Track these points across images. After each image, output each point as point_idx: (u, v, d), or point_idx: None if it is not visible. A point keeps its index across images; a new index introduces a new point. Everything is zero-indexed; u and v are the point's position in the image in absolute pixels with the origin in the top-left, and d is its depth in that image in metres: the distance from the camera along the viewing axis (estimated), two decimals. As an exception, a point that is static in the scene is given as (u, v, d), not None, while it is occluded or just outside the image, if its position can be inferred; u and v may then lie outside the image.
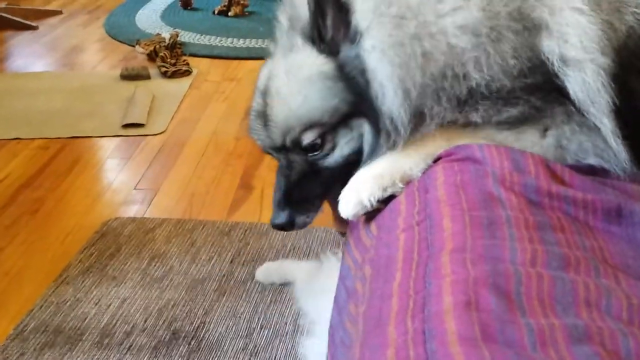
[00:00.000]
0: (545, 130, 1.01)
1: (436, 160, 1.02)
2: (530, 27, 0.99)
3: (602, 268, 0.77)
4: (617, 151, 0.96)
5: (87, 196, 2.53)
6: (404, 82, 0.99)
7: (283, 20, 1.14)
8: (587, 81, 0.96)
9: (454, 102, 1.01)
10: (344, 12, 1.02)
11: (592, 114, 0.97)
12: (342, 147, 1.09)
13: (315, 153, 1.09)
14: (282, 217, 1.12)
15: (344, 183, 1.06)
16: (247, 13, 4.72)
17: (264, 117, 1.12)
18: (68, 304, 1.92)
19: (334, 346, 1.11)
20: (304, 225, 1.15)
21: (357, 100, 1.03)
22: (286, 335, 1.79)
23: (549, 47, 0.98)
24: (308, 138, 1.07)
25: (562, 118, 1.00)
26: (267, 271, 1.99)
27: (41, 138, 2.97)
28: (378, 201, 1.01)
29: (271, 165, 2.68)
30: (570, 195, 0.88)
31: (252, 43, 4.14)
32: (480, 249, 0.77)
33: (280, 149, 1.12)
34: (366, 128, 1.06)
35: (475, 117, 1.02)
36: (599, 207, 0.88)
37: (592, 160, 1.00)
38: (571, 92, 0.97)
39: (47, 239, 2.24)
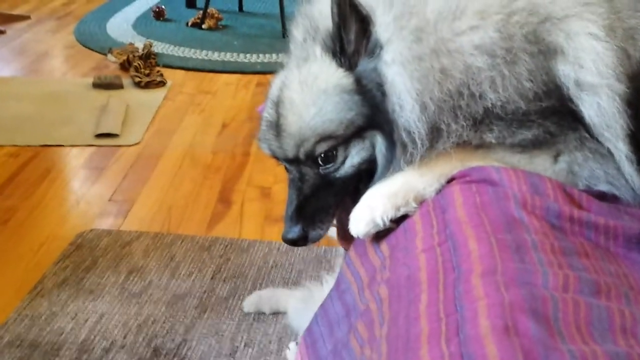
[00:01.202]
0: (557, 155, 1.01)
1: (449, 181, 1.01)
2: (545, 51, 0.99)
3: (631, 295, 0.77)
4: (631, 176, 0.97)
5: (60, 206, 2.47)
6: (422, 96, 0.98)
7: (297, 34, 1.12)
8: (602, 106, 0.96)
9: (470, 120, 1.01)
10: (365, 24, 1.01)
11: (607, 138, 0.97)
12: (353, 157, 1.07)
13: (328, 165, 1.07)
14: (295, 232, 1.09)
15: (355, 195, 1.05)
16: (221, 26, 4.70)
17: (276, 127, 1.10)
18: (43, 317, 1.86)
19: (317, 357, 1.09)
20: (318, 239, 1.12)
21: (372, 113, 1.03)
22: (271, 354, 1.76)
23: (565, 71, 0.98)
24: (321, 149, 1.05)
25: (575, 144, 1.00)
26: (259, 300, 1.92)
27: (11, 145, 2.89)
28: (390, 220, 1.00)
29: (250, 181, 2.67)
30: (592, 221, 0.88)
31: (227, 57, 4.12)
32: (512, 273, 0.76)
33: (293, 161, 1.10)
34: (379, 139, 1.05)
35: (490, 137, 1.02)
36: (620, 233, 0.88)
37: (603, 187, 1.00)
38: (586, 116, 0.98)
39: (19, 250, 2.17)
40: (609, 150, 0.99)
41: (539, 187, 0.94)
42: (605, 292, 0.75)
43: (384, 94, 1.01)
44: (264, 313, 1.90)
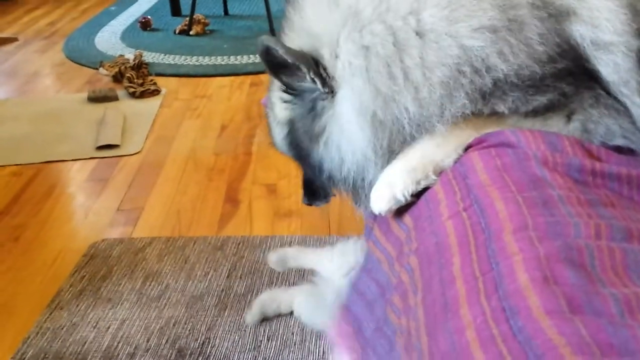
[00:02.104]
0: (571, 114, 1.02)
1: (466, 149, 1.02)
2: (555, 14, 0.99)
3: (662, 238, 0.78)
4: None
5: (69, 220, 2.47)
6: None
7: None
8: (619, 63, 0.97)
9: (476, 95, 1.01)
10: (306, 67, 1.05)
11: (624, 94, 0.97)
12: (325, 164, 1.14)
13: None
14: (305, 200, 1.35)
15: None
16: (208, 32, 4.71)
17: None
18: (65, 329, 1.86)
19: (364, 339, 1.10)
20: (324, 204, 1.35)
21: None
22: (295, 345, 1.76)
23: (580, 32, 0.98)
24: None
25: (590, 102, 1.01)
26: (261, 306, 1.88)
27: (13, 165, 2.89)
28: (411, 195, 1.01)
29: (255, 180, 2.67)
30: (614, 172, 0.89)
31: (218, 60, 4.12)
32: (544, 227, 0.77)
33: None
34: None
35: (503, 107, 1.02)
36: (644, 181, 0.89)
37: (619, 142, 1.01)
38: (603, 74, 0.98)
39: (34, 265, 2.17)
40: (624, 106, 1.00)
41: (557, 145, 0.95)
42: (638, 237, 0.76)
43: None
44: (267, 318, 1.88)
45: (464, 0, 1.01)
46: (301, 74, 1.05)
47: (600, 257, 0.72)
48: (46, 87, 4.01)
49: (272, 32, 4.44)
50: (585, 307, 0.65)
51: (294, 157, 1.22)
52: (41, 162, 2.91)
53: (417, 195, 1.02)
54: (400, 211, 1.05)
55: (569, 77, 1.00)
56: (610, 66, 0.97)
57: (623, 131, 1.00)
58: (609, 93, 1.00)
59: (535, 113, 1.03)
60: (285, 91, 1.12)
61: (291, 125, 1.15)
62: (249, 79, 3.84)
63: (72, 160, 2.93)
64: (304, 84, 1.07)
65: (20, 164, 2.89)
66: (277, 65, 1.05)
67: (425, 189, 1.01)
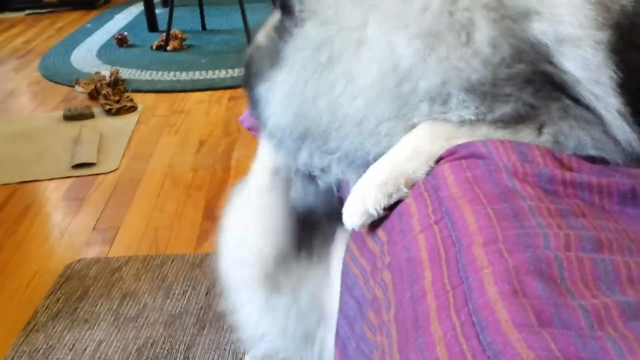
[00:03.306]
0: (541, 127, 1.01)
1: (437, 160, 1.01)
2: (512, 16, 0.98)
3: (633, 247, 0.77)
4: (624, 132, 0.96)
5: (45, 240, 2.44)
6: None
7: None
8: (587, 58, 0.96)
9: (416, 100, 1.02)
10: None
11: (596, 95, 0.97)
12: None
13: None
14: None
15: None
16: (186, 46, 4.69)
17: None
18: (41, 351, 1.83)
19: (348, 358, 1.09)
20: None
21: None
22: (275, 362, 1.74)
23: (542, 29, 0.97)
24: None
25: (559, 114, 1.00)
26: None
27: (-12, 186, 2.85)
28: (384, 209, 1.00)
29: (233, 194, 2.65)
30: (584, 181, 0.88)
31: (195, 75, 4.11)
32: (513, 239, 0.77)
33: None
34: None
35: (467, 114, 1.01)
36: (614, 190, 0.88)
37: (591, 152, 1.00)
38: (572, 71, 0.97)
39: (9, 287, 2.14)
40: (594, 115, 0.99)
41: (528, 155, 0.94)
42: (608, 247, 0.76)
43: None
44: None
45: (409, 9, 1.01)
46: None
47: (570, 268, 0.71)
48: (22, 106, 3.97)
49: (250, 46, 4.43)
50: (554, 319, 0.65)
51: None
52: (17, 183, 2.87)
53: (391, 208, 1.01)
54: (374, 225, 1.04)
55: (530, 86, 0.99)
56: (578, 62, 0.96)
57: (595, 142, 1.00)
58: (577, 102, 0.99)
59: (506, 124, 1.02)
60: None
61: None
62: (227, 93, 3.83)
63: (48, 179, 2.90)
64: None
65: (-5, 185, 2.86)
66: None
67: (399, 202, 1.01)
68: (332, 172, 1.16)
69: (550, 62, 0.99)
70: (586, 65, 0.97)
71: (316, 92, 1.09)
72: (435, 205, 0.92)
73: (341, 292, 1.15)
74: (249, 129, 1.68)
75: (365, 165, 1.07)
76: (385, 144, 1.05)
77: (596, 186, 0.88)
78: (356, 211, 1.01)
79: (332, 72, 1.08)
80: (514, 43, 0.99)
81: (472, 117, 1.01)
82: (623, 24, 0.98)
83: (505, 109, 1.01)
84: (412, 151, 1.02)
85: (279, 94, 1.14)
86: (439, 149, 1.01)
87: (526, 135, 1.01)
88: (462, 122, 1.03)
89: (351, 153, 1.09)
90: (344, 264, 1.16)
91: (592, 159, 1.00)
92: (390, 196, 0.99)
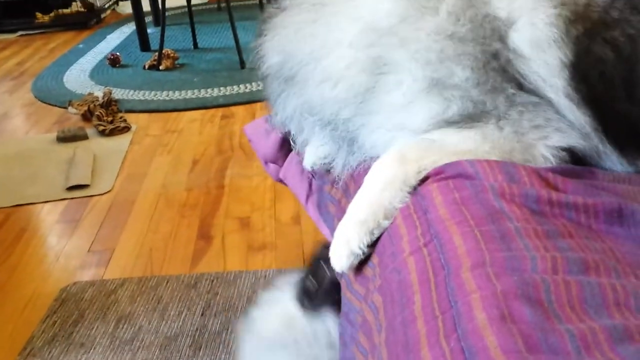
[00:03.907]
0: (499, 122, 1.03)
1: (424, 179, 1.02)
2: None
3: (620, 268, 0.78)
4: (573, 113, 0.99)
5: (40, 264, 2.44)
6: None
7: None
8: (537, 34, 0.99)
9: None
10: None
11: (541, 76, 1.00)
12: None
13: None
14: None
15: None
16: (178, 65, 4.70)
17: None
18: (37, 377, 1.82)
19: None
20: None
21: None
22: (271, 383, 1.74)
23: (498, 3, 1.02)
24: None
25: (505, 104, 1.02)
26: None
27: (-18, 210, 2.85)
28: (368, 246, 1.01)
29: (228, 213, 2.66)
30: (570, 201, 0.89)
31: (188, 94, 4.12)
32: (501, 262, 0.77)
33: None
34: None
35: (424, 116, 1.04)
36: (600, 209, 0.89)
37: (556, 137, 1.02)
38: (521, 46, 1.00)
39: (4, 312, 2.14)
40: (542, 98, 1.02)
41: (514, 175, 0.95)
42: (594, 269, 0.76)
43: None
44: None
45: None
46: None
47: (557, 292, 0.72)
48: (15, 128, 3.97)
49: (242, 64, 4.46)
50: (542, 344, 0.65)
51: None
52: (11, 206, 2.87)
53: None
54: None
55: (475, 76, 1.01)
56: (529, 37, 1.00)
57: (549, 122, 1.01)
58: (521, 87, 1.02)
59: (462, 125, 1.03)
60: None
61: None
62: (219, 111, 3.83)
63: (42, 202, 2.90)
64: None
65: (-11, 209, 2.86)
66: None
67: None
68: (305, 131, 1.22)
69: (501, 40, 1.02)
70: (535, 41, 1.00)
71: (303, 36, 1.13)
72: (424, 227, 0.93)
73: (340, 321, 1.15)
74: (249, 140, 1.69)
75: (338, 130, 1.13)
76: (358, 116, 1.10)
77: (582, 206, 0.89)
78: (343, 254, 1.02)
79: (320, 19, 1.12)
80: (471, 16, 1.01)
81: (424, 118, 1.04)
82: (590, 17, 1.00)
83: (453, 108, 1.03)
84: (384, 181, 1.03)
85: (274, 33, 1.18)
86: (414, 172, 1.02)
87: (491, 133, 1.02)
88: (431, 142, 1.04)
89: (326, 117, 1.13)
90: (342, 291, 1.16)
91: (577, 174, 1.01)
92: (372, 233, 1.00)
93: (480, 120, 1.03)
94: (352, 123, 1.12)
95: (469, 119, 1.03)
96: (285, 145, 1.52)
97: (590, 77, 1.00)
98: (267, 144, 1.58)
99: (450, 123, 1.04)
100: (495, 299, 0.72)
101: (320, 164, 1.31)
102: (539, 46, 1.00)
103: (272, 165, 1.62)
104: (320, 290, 1.28)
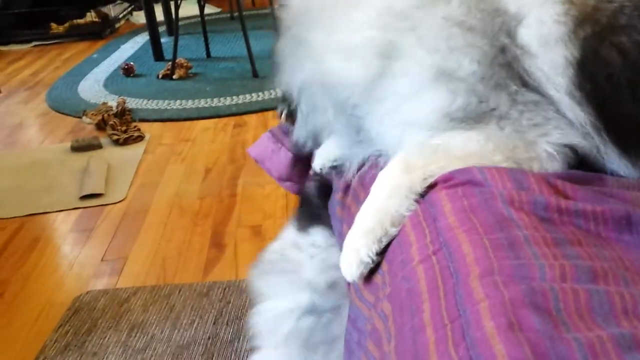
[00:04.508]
0: (499, 120, 1.03)
1: (432, 185, 1.02)
2: None
3: (628, 276, 0.77)
4: (573, 111, 1.00)
5: (53, 273, 2.45)
6: None
7: None
8: (545, 30, 1.00)
9: None
10: None
11: (546, 74, 1.00)
12: None
13: None
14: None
15: None
16: (191, 75, 4.73)
17: None
18: (50, 386, 1.83)
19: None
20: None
21: None
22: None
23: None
24: None
25: (507, 104, 1.02)
26: None
27: (-4, 219, 2.88)
28: (377, 254, 1.01)
29: (240, 222, 2.67)
30: (580, 209, 0.89)
31: (201, 103, 4.14)
32: (509, 270, 0.77)
33: None
34: None
35: (431, 108, 1.05)
36: (609, 217, 0.88)
37: (556, 135, 1.02)
38: (528, 42, 1.01)
39: (17, 322, 2.15)
40: (543, 97, 1.02)
41: (523, 182, 0.95)
42: (603, 277, 0.76)
43: None
44: None
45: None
46: None
47: (565, 300, 0.71)
48: (30, 138, 4.00)
49: (255, 72, 4.47)
50: (550, 353, 0.65)
51: None
52: (25, 215, 2.89)
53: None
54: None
55: (480, 71, 1.02)
56: (533, 30, 1.01)
57: (549, 122, 1.02)
58: (525, 85, 1.02)
59: (473, 130, 1.03)
60: None
61: None
62: (232, 120, 3.85)
63: (56, 211, 2.92)
64: None
65: (3, 218, 2.88)
66: None
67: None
68: (318, 112, 1.21)
69: (509, 35, 1.02)
70: (543, 38, 1.00)
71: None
72: (434, 235, 0.92)
73: (347, 325, 1.15)
74: (256, 161, 1.69)
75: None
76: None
77: (591, 213, 0.88)
78: (352, 263, 1.02)
79: None
80: (483, 9, 1.03)
81: (432, 108, 1.05)
82: (599, 21, 1.00)
83: (458, 101, 1.03)
84: (391, 188, 1.03)
85: None
86: (419, 179, 1.02)
87: (494, 134, 1.02)
88: (435, 148, 1.04)
89: (339, 97, 1.14)
90: (350, 297, 1.16)
91: (586, 181, 1.00)
92: (380, 241, 1.01)
93: (482, 122, 1.04)
94: (359, 109, 1.13)
95: (471, 118, 1.04)
96: (299, 163, 1.52)
97: (597, 78, 1.00)
98: (279, 163, 1.57)
99: (453, 119, 1.04)
100: (503, 307, 0.71)
101: (329, 166, 1.32)
102: (547, 43, 1.01)
103: (288, 182, 1.62)
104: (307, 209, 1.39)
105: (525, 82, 1.02)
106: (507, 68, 1.02)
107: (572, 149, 1.02)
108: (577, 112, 1.00)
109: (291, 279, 1.38)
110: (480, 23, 1.03)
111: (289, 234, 1.46)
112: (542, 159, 1.00)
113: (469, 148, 1.02)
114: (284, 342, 1.36)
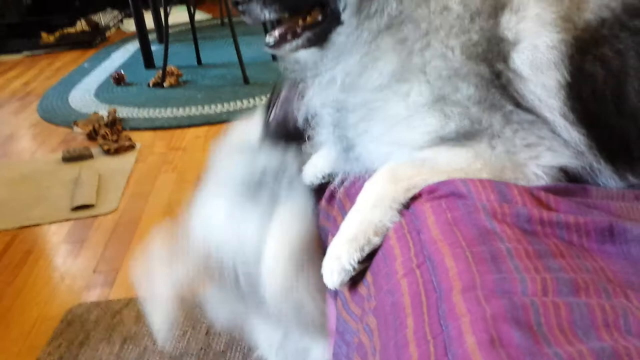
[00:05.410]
0: (491, 139, 1.04)
1: (417, 197, 1.02)
2: (496, 6, 1.05)
3: (610, 288, 0.78)
4: (568, 131, 1.01)
5: (46, 285, 2.45)
6: None
7: None
8: (538, 56, 1.01)
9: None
10: None
11: (538, 96, 1.01)
12: None
13: None
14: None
15: None
16: (182, 82, 4.73)
17: None
18: (43, 401, 1.83)
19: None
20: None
21: None
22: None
23: (508, 23, 1.03)
24: None
25: (501, 122, 1.03)
26: None
27: (-12, 232, 2.87)
28: (359, 262, 1.01)
29: (231, 230, 2.66)
30: (562, 220, 0.89)
31: (192, 111, 4.14)
32: (491, 285, 0.77)
33: None
34: None
35: (423, 131, 1.06)
36: (592, 228, 0.89)
37: (547, 156, 1.02)
38: (520, 67, 1.02)
39: (10, 335, 2.14)
40: (538, 117, 1.03)
41: (507, 194, 0.95)
42: (584, 289, 0.76)
43: None
44: None
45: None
46: None
47: (546, 314, 0.72)
48: (22, 149, 4.00)
49: (245, 79, 4.47)
50: (531, 369, 0.65)
51: None
52: (17, 228, 2.89)
53: (371, 258, 1.02)
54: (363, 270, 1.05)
55: (476, 94, 1.03)
56: (529, 58, 1.02)
57: (542, 141, 1.03)
58: (518, 106, 1.03)
59: (455, 142, 1.04)
60: None
61: None
62: (224, 127, 3.84)
63: (48, 223, 2.91)
64: None
65: (-5, 231, 2.87)
66: None
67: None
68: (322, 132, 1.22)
69: (504, 60, 1.03)
70: (535, 63, 1.01)
71: None
72: (417, 248, 0.93)
73: (335, 339, 1.15)
74: None
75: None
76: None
77: (574, 225, 0.89)
78: (334, 270, 1.03)
79: None
80: (489, 36, 1.04)
81: (425, 133, 1.05)
82: (585, 38, 1.02)
83: (451, 125, 1.04)
84: (376, 198, 1.04)
85: None
86: (403, 190, 1.03)
87: (483, 151, 1.03)
88: (423, 160, 1.05)
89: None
90: (337, 309, 1.16)
91: (570, 192, 1.01)
92: (362, 249, 1.01)
93: (473, 139, 1.04)
94: (354, 129, 1.13)
95: (463, 137, 1.04)
96: None
97: (583, 95, 1.01)
98: None
99: (445, 140, 1.05)
100: (484, 323, 0.72)
101: (319, 181, 1.34)
102: (538, 68, 1.02)
103: None
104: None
105: (519, 104, 1.03)
106: (502, 90, 1.03)
107: (563, 169, 1.02)
108: (571, 133, 1.01)
109: None
110: (482, 50, 1.04)
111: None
112: (530, 180, 1.01)
113: (456, 164, 1.03)
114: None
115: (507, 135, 1.03)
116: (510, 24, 1.04)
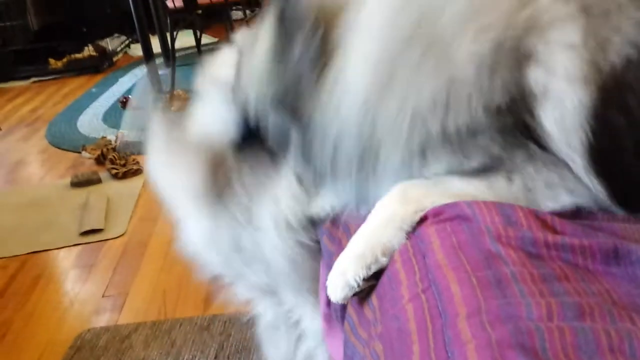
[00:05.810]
0: (510, 174, 1.03)
1: (423, 219, 1.02)
2: (520, 58, 0.99)
3: (615, 311, 0.78)
4: (590, 181, 0.98)
5: (55, 310, 2.46)
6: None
7: None
8: (565, 116, 0.97)
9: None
10: None
11: (565, 153, 0.99)
12: None
13: None
14: None
15: None
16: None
17: None
18: None
19: None
20: None
21: None
22: None
23: (536, 77, 0.98)
24: None
25: (523, 159, 1.01)
26: None
27: (-2, 258, 2.89)
28: (364, 280, 1.01)
29: (240, 253, 2.67)
30: (567, 243, 0.89)
31: (199, 134, 4.14)
32: (496, 310, 0.77)
33: None
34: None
35: (439, 169, 1.04)
36: (597, 250, 0.89)
37: (565, 198, 1.01)
38: (547, 127, 0.99)
39: (21, 362, 2.15)
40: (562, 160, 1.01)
41: (512, 217, 0.96)
42: (589, 314, 0.76)
43: None
44: None
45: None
46: None
47: (551, 340, 0.72)
48: (30, 175, 4.03)
49: (251, 101, 4.49)
50: (536, 395, 0.65)
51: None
52: (26, 253, 2.90)
53: (377, 277, 1.02)
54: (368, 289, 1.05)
55: (500, 137, 1.00)
56: (556, 119, 0.98)
57: (564, 182, 1.01)
58: (544, 148, 1.01)
59: (477, 175, 1.03)
60: None
61: None
62: (230, 150, 3.86)
63: (57, 248, 2.93)
64: None
65: (4, 257, 2.89)
66: None
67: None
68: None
69: (529, 113, 1.00)
70: (562, 124, 0.98)
71: None
72: (423, 272, 0.93)
73: None
74: None
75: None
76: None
77: (579, 247, 0.89)
78: (338, 285, 1.03)
79: None
80: (514, 91, 0.99)
81: (442, 173, 1.04)
82: (609, 84, 0.98)
83: (472, 164, 1.03)
84: (386, 218, 1.04)
85: None
86: (412, 212, 1.02)
87: (499, 184, 1.02)
88: (435, 182, 1.05)
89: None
90: (344, 332, 1.17)
91: (575, 215, 1.01)
92: (369, 267, 1.01)
93: (490, 171, 1.03)
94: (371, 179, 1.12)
95: (482, 171, 1.04)
96: None
97: (605, 147, 0.98)
98: None
99: (464, 173, 1.05)
100: (490, 349, 0.72)
101: (324, 217, 1.32)
102: (564, 129, 0.98)
103: None
104: None
105: (544, 147, 1.01)
106: (527, 133, 1.01)
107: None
108: (592, 181, 0.99)
109: None
110: (505, 106, 1.00)
111: None
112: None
113: (468, 191, 1.02)
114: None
115: (528, 172, 1.01)
116: (538, 79, 0.99)
